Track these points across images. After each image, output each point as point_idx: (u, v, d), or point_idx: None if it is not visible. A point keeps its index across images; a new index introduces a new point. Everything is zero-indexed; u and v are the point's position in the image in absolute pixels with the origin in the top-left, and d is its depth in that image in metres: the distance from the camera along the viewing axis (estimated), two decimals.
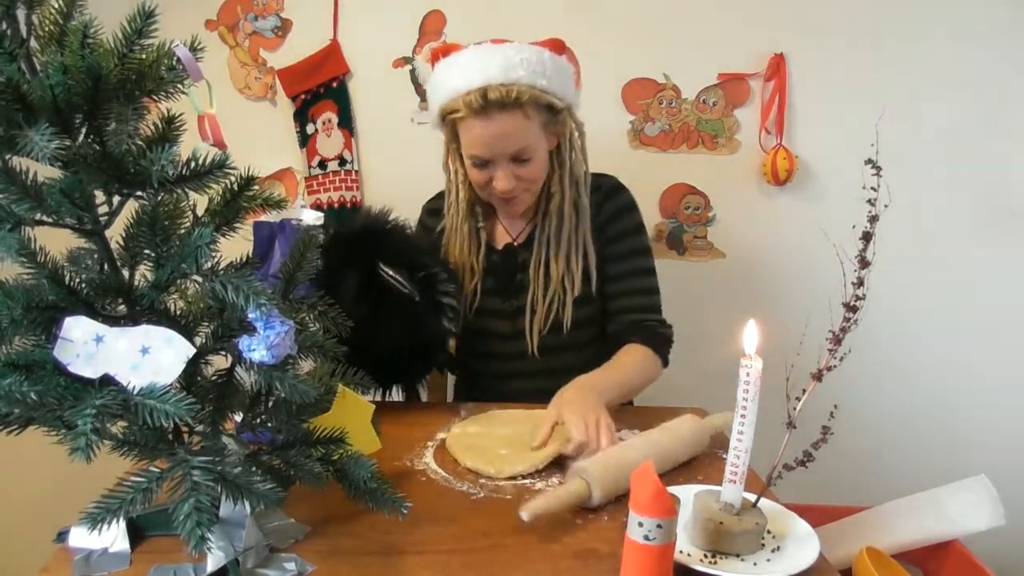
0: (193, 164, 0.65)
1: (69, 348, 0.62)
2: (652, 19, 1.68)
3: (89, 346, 0.63)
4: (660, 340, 1.27)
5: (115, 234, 0.68)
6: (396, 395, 1.30)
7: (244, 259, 0.72)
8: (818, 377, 0.77)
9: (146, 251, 0.68)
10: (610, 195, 1.32)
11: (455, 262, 1.31)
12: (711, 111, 1.72)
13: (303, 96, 1.74)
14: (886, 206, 0.81)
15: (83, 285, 0.66)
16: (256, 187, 0.71)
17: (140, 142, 0.67)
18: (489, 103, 1.12)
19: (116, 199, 0.67)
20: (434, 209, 1.38)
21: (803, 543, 0.78)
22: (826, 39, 1.67)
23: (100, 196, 0.66)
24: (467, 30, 1.66)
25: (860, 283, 0.78)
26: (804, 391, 0.77)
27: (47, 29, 0.64)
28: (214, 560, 0.69)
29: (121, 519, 0.66)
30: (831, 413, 0.75)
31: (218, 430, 0.74)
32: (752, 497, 0.79)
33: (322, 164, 1.78)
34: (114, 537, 0.75)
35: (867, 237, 0.78)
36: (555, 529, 0.82)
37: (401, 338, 1.13)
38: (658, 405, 1.26)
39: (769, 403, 0.76)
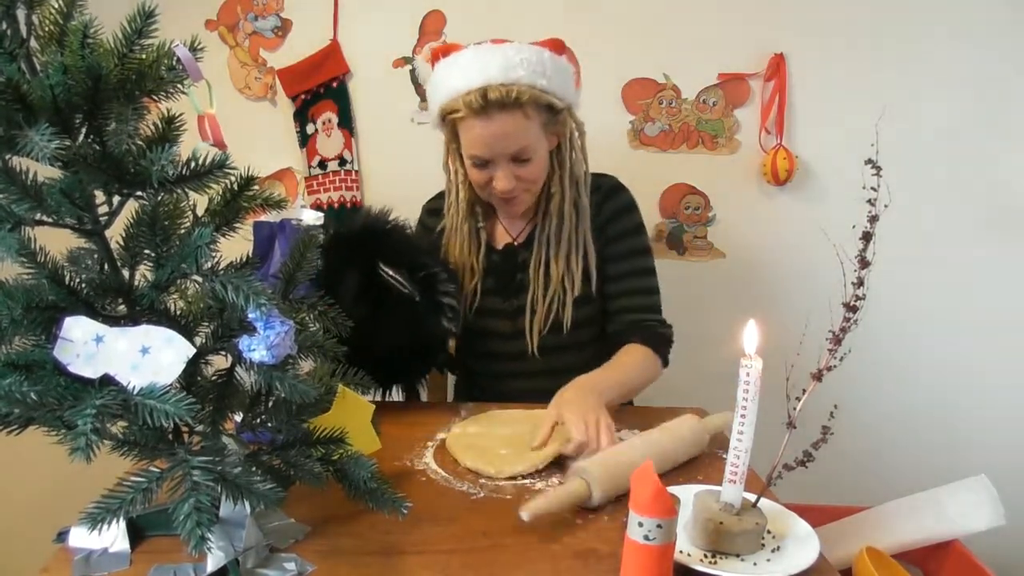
0: (193, 164, 0.65)
1: (69, 348, 0.62)
2: (652, 19, 1.68)
3: (89, 346, 0.63)
4: (660, 340, 1.27)
5: (115, 234, 0.68)
6: (396, 395, 1.30)
7: (244, 259, 0.72)
8: (818, 377, 0.77)
9: (146, 251, 0.68)
10: (610, 195, 1.32)
11: (455, 262, 1.31)
12: (711, 111, 1.72)
13: (303, 96, 1.74)
14: (886, 206, 0.81)
15: (83, 285, 0.66)
16: (256, 187, 0.71)
17: (140, 142, 0.67)
18: (489, 103, 1.12)
19: (116, 199, 0.67)
20: (434, 209, 1.38)
21: (803, 543, 0.78)
22: (826, 39, 1.67)
23: (100, 196, 0.66)
24: (467, 30, 1.66)
25: (860, 283, 0.78)
26: (804, 391, 0.77)
27: (47, 29, 0.64)
28: (214, 560, 0.69)
29: (121, 519, 0.66)
30: (831, 413, 0.75)
31: (218, 430, 0.74)
32: (752, 497, 0.79)
33: (322, 164, 1.78)
34: (114, 537, 0.75)
35: (867, 237, 0.78)
36: (555, 529, 0.82)
37: (401, 338, 1.13)
38: (658, 405, 1.26)
39: (769, 403, 0.76)
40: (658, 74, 1.71)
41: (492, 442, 1.03)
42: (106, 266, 0.68)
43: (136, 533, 0.78)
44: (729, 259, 1.80)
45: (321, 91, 1.74)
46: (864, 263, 0.78)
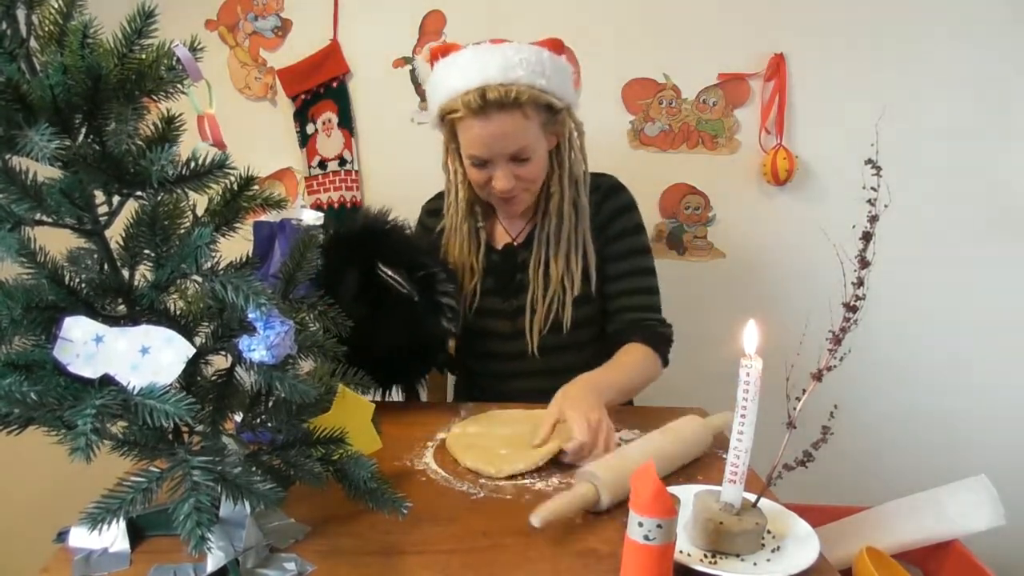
0: (193, 164, 0.65)
1: (69, 348, 0.62)
2: (652, 19, 1.68)
3: (89, 346, 0.63)
4: (660, 339, 1.27)
5: (115, 234, 0.68)
6: (396, 395, 1.30)
7: (244, 259, 0.72)
8: (818, 377, 0.77)
9: (146, 251, 0.68)
10: (609, 194, 1.32)
11: (455, 262, 1.31)
12: (711, 111, 1.72)
13: (303, 96, 1.74)
14: (886, 206, 0.81)
15: (83, 285, 0.66)
16: (256, 187, 0.71)
17: (140, 142, 0.67)
18: (488, 103, 1.12)
19: (116, 199, 0.67)
20: (433, 209, 1.38)
21: (803, 543, 0.78)
22: (826, 39, 1.67)
23: (100, 196, 0.66)
24: (467, 30, 1.66)
25: (860, 283, 0.78)
26: (804, 391, 0.77)
27: (47, 29, 0.64)
28: (214, 560, 0.69)
29: (121, 519, 0.66)
30: (831, 413, 0.75)
31: (218, 430, 0.74)
32: (752, 497, 0.79)
33: (322, 164, 1.78)
34: (114, 537, 0.75)
35: (867, 237, 0.78)
36: (555, 529, 0.82)
37: (400, 338, 1.13)
38: (658, 405, 1.26)
39: (769, 403, 0.76)
40: (658, 74, 1.71)
41: (492, 442, 1.03)
42: (106, 266, 0.68)
43: (136, 533, 0.78)
44: (729, 259, 1.80)
45: (321, 91, 1.74)
46: (864, 263, 0.78)
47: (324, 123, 1.76)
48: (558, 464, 0.98)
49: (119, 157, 0.64)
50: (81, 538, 0.74)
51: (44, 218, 0.64)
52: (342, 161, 1.78)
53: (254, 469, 0.74)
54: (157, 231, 0.67)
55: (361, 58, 1.73)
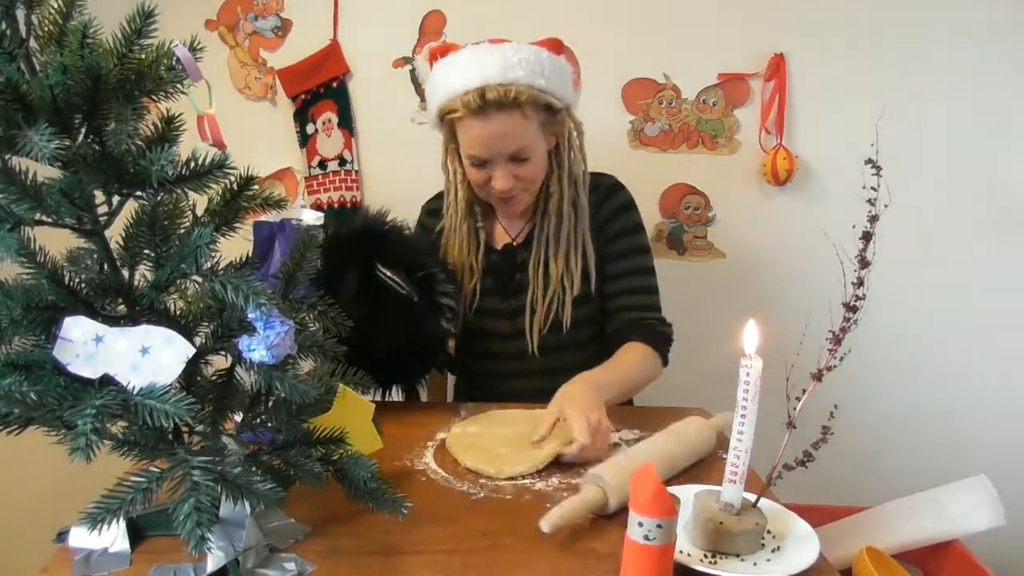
0: (193, 164, 0.65)
1: (69, 348, 0.62)
2: (652, 19, 1.68)
3: (89, 346, 0.63)
4: (660, 338, 1.27)
5: (115, 234, 0.68)
6: (396, 395, 1.30)
7: (244, 259, 0.72)
8: (818, 377, 0.77)
9: (146, 251, 0.68)
10: (609, 194, 1.32)
11: (454, 262, 1.31)
12: (711, 111, 1.72)
13: (303, 96, 1.74)
14: (886, 206, 0.81)
15: (83, 285, 0.66)
16: (256, 187, 0.71)
17: (140, 142, 0.66)
18: (487, 103, 1.12)
19: (116, 199, 0.67)
20: (433, 209, 1.38)
21: (803, 543, 0.78)
22: (826, 39, 1.67)
23: (100, 196, 0.66)
24: (467, 30, 1.66)
25: (860, 283, 0.78)
26: (804, 391, 0.77)
27: (47, 29, 0.64)
28: (214, 560, 0.69)
29: (121, 519, 0.66)
30: (831, 413, 0.75)
31: (218, 430, 0.74)
32: (752, 497, 0.79)
33: (322, 164, 1.78)
34: (114, 537, 0.75)
35: (867, 237, 0.78)
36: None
37: (399, 339, 1.13)
38: (658, 405, 1.26)
39: (769, 403, 0.76)
40: (658, 74, 1.71)
41: (492, 442, 1.03)
42: (106, 266, 0.68)
43: (136, 533, 0.78)
44: (729, 259, 1.80)
45: (321, 91, 1.74)
46: (864, 263, 0.78)
47: (324, 123, 1.76)
48: (558, 464, 0.98)
49: (119, 157, 0.64)
50: (81, 538, 0.74)
51: (44, 218, 0.64)
52: (342, 161, 1.78)
53: (254, 469, 0.74)
54: (157, 231, 0.67)
55: (361, 58, 1.73)
